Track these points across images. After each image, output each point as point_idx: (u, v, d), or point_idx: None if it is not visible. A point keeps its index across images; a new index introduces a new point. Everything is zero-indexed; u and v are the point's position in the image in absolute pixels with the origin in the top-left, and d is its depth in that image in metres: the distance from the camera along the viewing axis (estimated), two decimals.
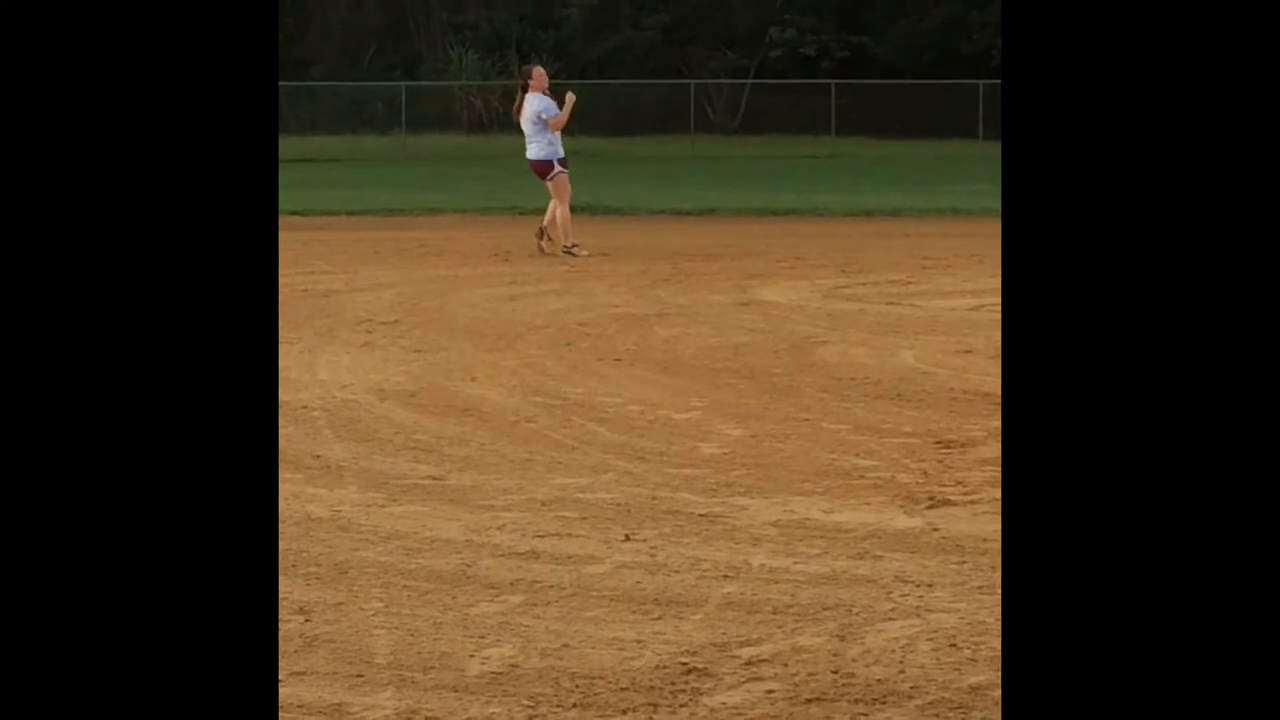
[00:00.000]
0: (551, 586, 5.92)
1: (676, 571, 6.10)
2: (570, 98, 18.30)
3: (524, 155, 18.62)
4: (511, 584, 5.95)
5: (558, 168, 18.33)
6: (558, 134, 18.36)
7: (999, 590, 5.77)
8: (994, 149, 46.75)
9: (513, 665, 5.10)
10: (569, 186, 18.42)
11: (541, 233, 18.50)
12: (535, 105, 18.25)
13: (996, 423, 8.73)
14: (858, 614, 5.58)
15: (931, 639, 5.30)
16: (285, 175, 37.20)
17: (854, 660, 5.12)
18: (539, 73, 18.75)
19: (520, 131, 18.62)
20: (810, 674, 5.00)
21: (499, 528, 6.71)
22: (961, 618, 5.52)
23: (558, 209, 18.37)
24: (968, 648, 5.22)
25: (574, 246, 18.11)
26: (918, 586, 5.87)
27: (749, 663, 5.11)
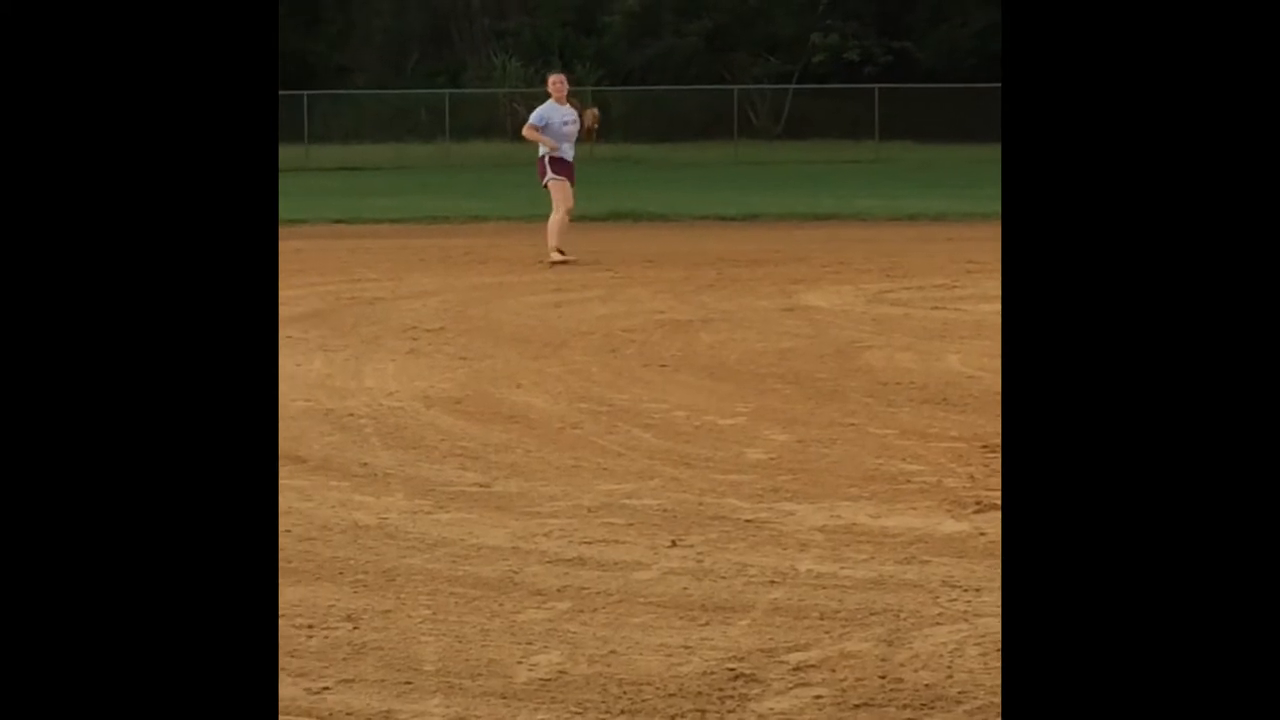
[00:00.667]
0: (598, 593, 5.92)
1: (723, 577, 6.09)
2: (588, 116, 18.25)
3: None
4: (558, 590, 5.95)
5: (549, 173, 18.28)
6: (561, 142, 18.24)
7: None
8: None
9: (560, 672, 5.10)
10: (564, 195, 18.32)
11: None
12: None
13: None
14: (905, 619, 5.57)
15: (979, 644, 5.29)
16: (329, 184, 37.35)
17: (902, 665, 5.11)
18: (551, 81, 18.70)
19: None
20: (858, 679, 5.00)
21: (545, 534, 6.72)
22: None
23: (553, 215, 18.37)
24: None
25: (558, 254, 17.99)
26: (965, 591, 5.86)
27: (797, 668, 5.10)
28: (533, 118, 18.32)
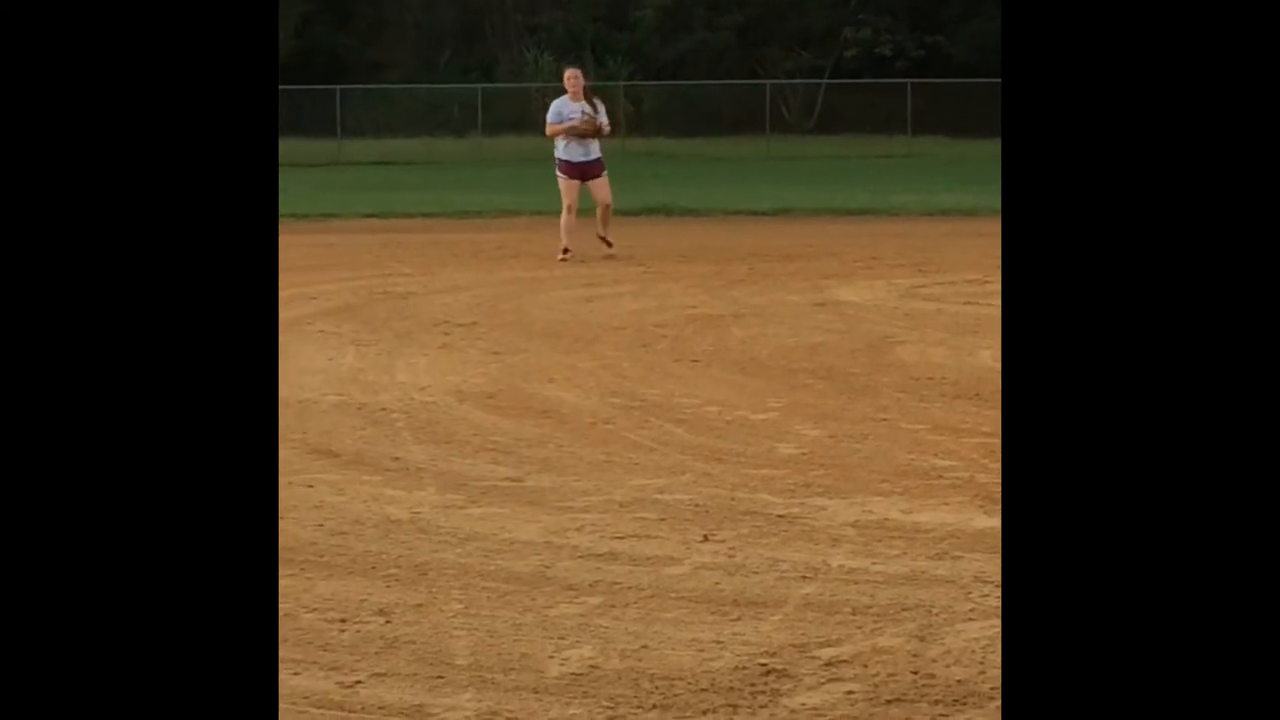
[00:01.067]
0: (630, 588, 5.92)
1: (755, 572, 6.09)
2: (589, 118, 18.20)
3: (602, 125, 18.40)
4: (590, 585, 5.96)
5: (557, 171, 18.32)
6: (573, 138, 18.20)
7: None
8: None
9: (592, 666, 5.11)
10: (565, 192, 18.29)
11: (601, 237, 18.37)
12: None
13: None
14: (937, 614, 5.56)
15: None
16: (362, 178, 37.42)
17: (934, 661, 5.11)
18: (567, 76, 18.65)
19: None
20: (890, 675, 4.99)
21: (577, 529, 6.72)
22: None
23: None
24: None
25: (561, 254, 18.00)
26: (997, 587, 5.85)
27: (828, 664, 5.10)
28: (549, 115, 18.29)
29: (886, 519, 6.84)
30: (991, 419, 8.92)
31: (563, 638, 5.38)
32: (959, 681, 4.93)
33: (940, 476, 7.59)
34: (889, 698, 4.82)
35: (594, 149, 18.23)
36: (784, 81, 53.70)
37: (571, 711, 4.74)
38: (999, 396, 9.51)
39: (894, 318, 13.35)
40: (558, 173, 18.32)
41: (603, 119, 18.28)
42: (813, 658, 5.15)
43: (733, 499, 7.19)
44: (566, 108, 18.21)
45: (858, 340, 12.03)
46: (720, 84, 52.52)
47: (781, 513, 6.94)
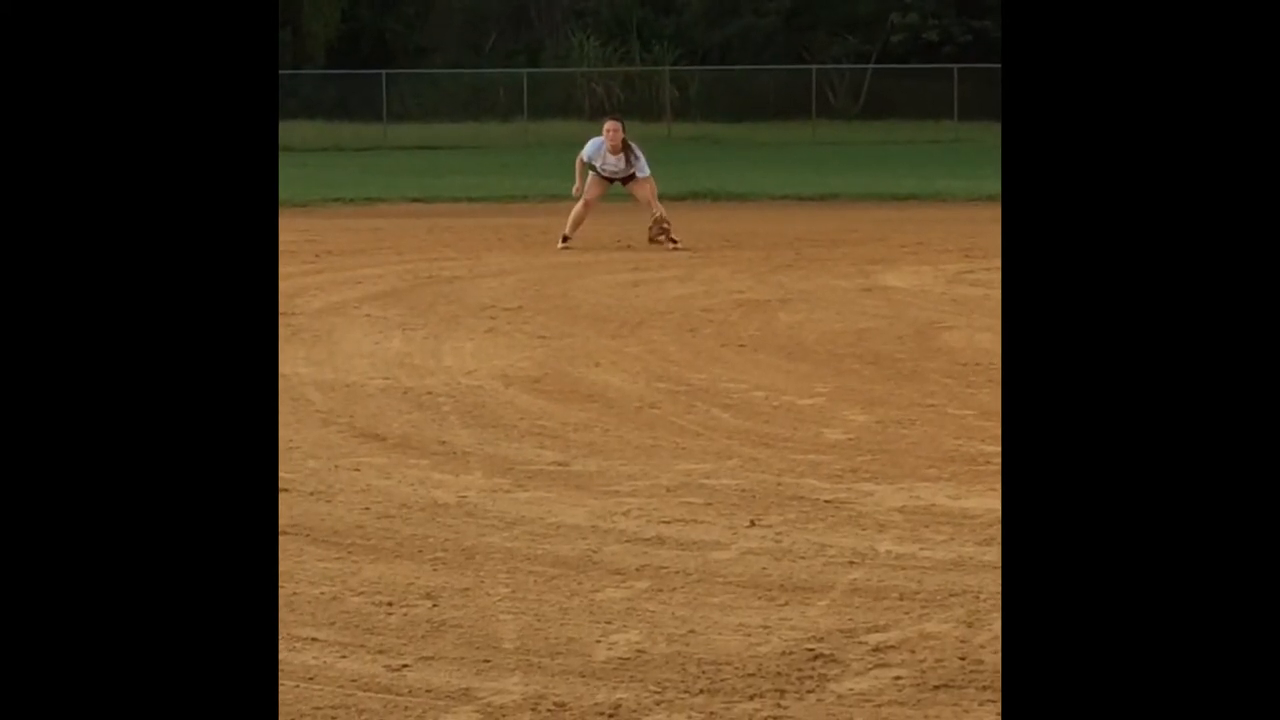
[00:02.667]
0: (677, 572, 5.92)
1: (802, 557, 6.08)
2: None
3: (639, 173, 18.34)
4: (637, 570, 5.95)
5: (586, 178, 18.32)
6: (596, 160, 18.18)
7: None
8: None
9: (639, 651, 5.10)
10: (590, 188, 18.24)
11: (660, 230, 18.23)
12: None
13: None
14: (985, 600, 5.55)
15: None
16: (408, 162, 37.58)
17: (982, 647, 5.09)
18: (607, 128, 18.35)
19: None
20: (938, 660, 4.98)
21: (624, 513, 6.72)
22: None
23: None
24: None
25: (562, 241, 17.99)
26: None
27: (876, 649, 5.09)
28: (585, 151, 18.23)
29: (934, 504, 6.82)
30: None
31: (609, 622, 5.38)
32: None
33: (988, 462, 7.57)
34: (936, 683, 4.80)
35: (631, 169, 18.16)
36: (830, 66, 53.58)
37: (618, 695, 4.74)
38: None
39: (941, 303, 13.32)
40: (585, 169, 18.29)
41: (641, 169, 18.17)
42: (860, 643, 5.14)
43: (779, 484, 7.18)
44: (599, 158, 18.16)
45: (904, 326, 12.00)
46: (766, 69, 52.43)
47: (828, 498, 6.93)
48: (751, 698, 4.71)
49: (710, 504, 6.86)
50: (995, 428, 8.30)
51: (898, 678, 4.85)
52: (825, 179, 28.78)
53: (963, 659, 4.99)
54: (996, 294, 13.77)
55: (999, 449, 7.76)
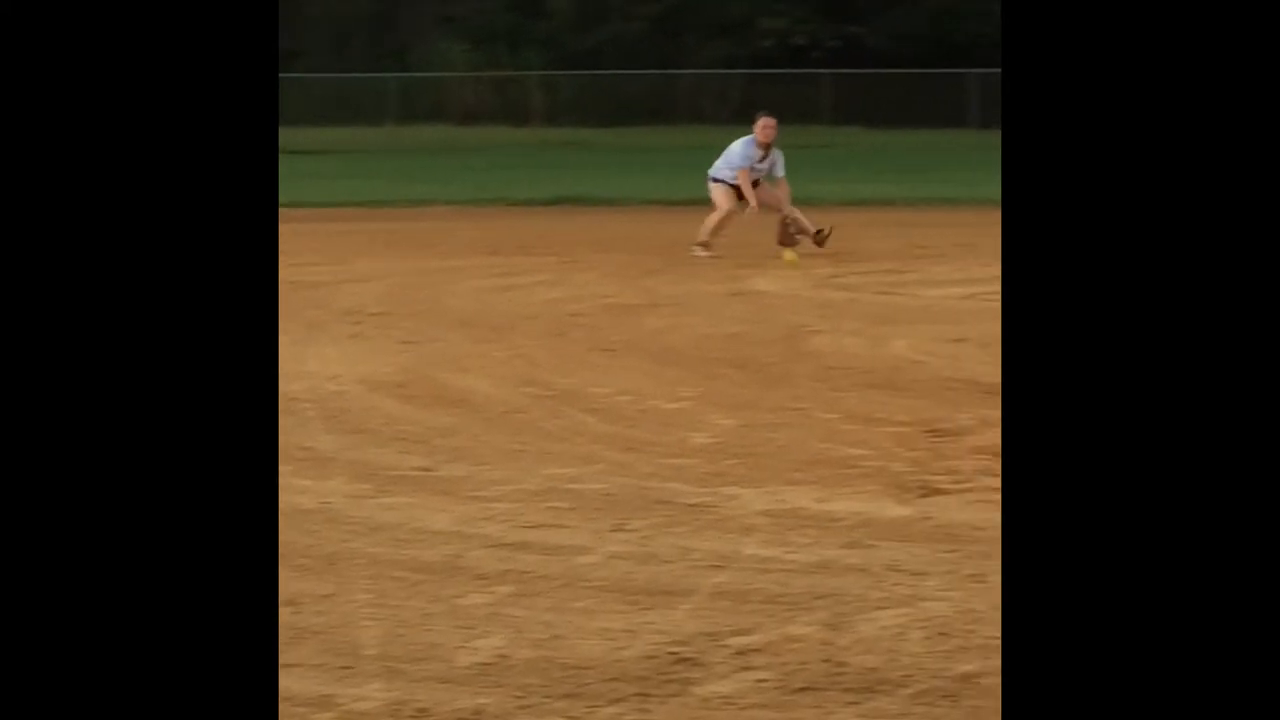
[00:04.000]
0: (541, 577, 5.89)
1: (667, 561, 6.07)
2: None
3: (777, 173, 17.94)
4: (501, 575, 5.92)
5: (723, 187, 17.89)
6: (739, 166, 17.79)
7: (991, 579, 5.75)
8: (986, 138, 46.69)
9: (502, 656, 5.07)
10: (723, 199, 17.76)
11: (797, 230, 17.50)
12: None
13: (989, 411, 8.70)
14: (849, 603, 5.55)
15: (923, 627, 5.28)
16: None
17: (845, 649, 5.09)
18: (761, 125, 18.09)
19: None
20: (802, 663, 4.98)
21: (489, 519, 6.68)
22: (953, 606, 5.49)
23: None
24: (959, 636, 5.20)
25: (701, 249, 17.45)
26: (909, 575, 5.85)
27: (740, 652, 5.08)
28: (739, 159, 17.76)
29: (799, 508, 6.83)
30: (905, 408, 8.92)
31: (472, 627, 5.34)
32: (870, 669, 4.92)
33: (853, 465, 7.59)
34: (800, 686, 4.80)
35: (772, 171, 17.82)
36: (700, 71, 53.68)
37: (481, 701, 4.70)
38: (912, 386, 9.57)
39: (809, 307, 13.36)
40: (716, 183, 17.89)
41: (779, 170, 17.82)
42: (724, 646, 5.13)
43: (645, 488, 7.17)
44: (755, 158, 17.79)
45: (772, 330, 12.02)
46: (637, 74, 52.46)
47: (694, 502, 6.92)
48: (614, 702, 4.69)
49: (575, 508, 6.83)
50: (862, 431, 8.33)
51: (761, 680, 4.84)
52: (694, 184, 28.78)
53: (826, 661, 4.99)
54: (864, 298, 13.86)
55: (865, 452, 7.83)
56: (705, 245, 17.40)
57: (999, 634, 5.15)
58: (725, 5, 56.11)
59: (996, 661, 4.94)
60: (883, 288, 14.61)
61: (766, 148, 17.81)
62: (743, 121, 52.04)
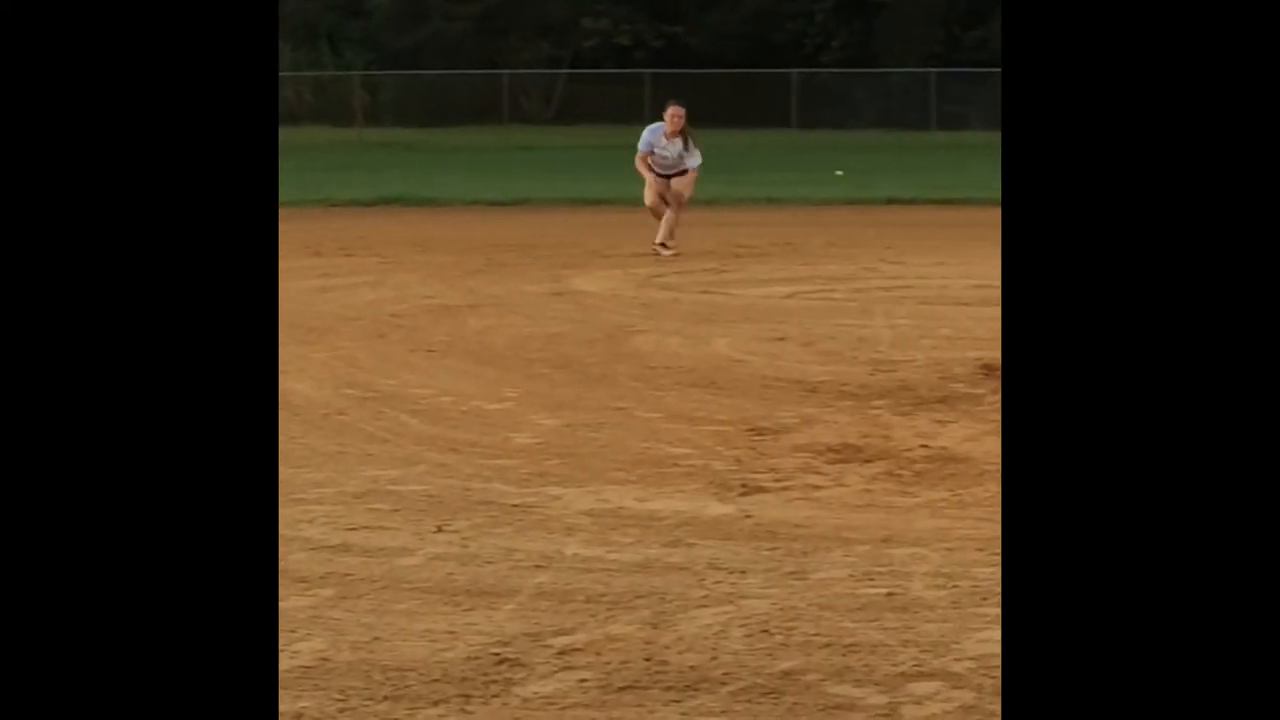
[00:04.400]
0: (363, 579, 5.86)
1: (489, 562, 6.06)
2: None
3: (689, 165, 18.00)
4: (322, 577, 5.88)
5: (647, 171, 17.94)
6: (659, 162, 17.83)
7: (810, 575, 5.81)
8: (806, 137, 47.09)
9: (323, 659, 5.04)
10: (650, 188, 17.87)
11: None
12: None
13: (810, 409, 8.78)
14: (671, 601, 5.57)
15: (744, 625, 5.31)
16: None
17: (667, 648, 5.11)
18: (669, 113, 18.12)
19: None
20: (623, 662, 4.99)
21: (309, 521, 6.64)
22: (774, 604, 5.53)
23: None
24: (780, 633, 5.23)
25: (662, 247, 17.46)
26: (730, 573, 5.88)
27: (562, 652, 5.08)
28: (640, 143, 17.87)
29: (621, 507, 6.84)
30: (726, 407, 8.98)
31: (293, 630, 5.30)
32: (692, 668, 4.94)
33: (675, 464, 7.62)
34: (622, 685, 4.81)
35: (682, 163, 17.80)
36: (522, 71, 53.69)
37: (302, 704, 4.67)
38: (733, 384, 9.63)
39: (631, 307, 13.39)
40: (643, 171, 17.85)
41: (692, 161, 17.83)
42: (546, 646, 5.13)
43: (467, 489, 7.16)
44: (660, 144, 17.78)
45: (595, 330, 12.04)
46: (458, 74, 52.37)
47: (516, 502, 6.92)
48: (436, 703, 4.68)
49: (397, 510, 6.81)
50: (683, 430, 8.37)
51: (583, 680, 4.85)
52: (517, 184, 28.82)
53: (648, 660, 5.00)
54: (686, 297, 13.91)
55: (686, 451, 7.86)
56: (664, 244, 17.51)
57: (819, 631, 5.23)
58: (548, 5, 56.20)
59: (817, 658, 5.01)
60: (704, 287, 14.68)
61: (675, 136, 17.80)
62: (566, 121, 52.02)
